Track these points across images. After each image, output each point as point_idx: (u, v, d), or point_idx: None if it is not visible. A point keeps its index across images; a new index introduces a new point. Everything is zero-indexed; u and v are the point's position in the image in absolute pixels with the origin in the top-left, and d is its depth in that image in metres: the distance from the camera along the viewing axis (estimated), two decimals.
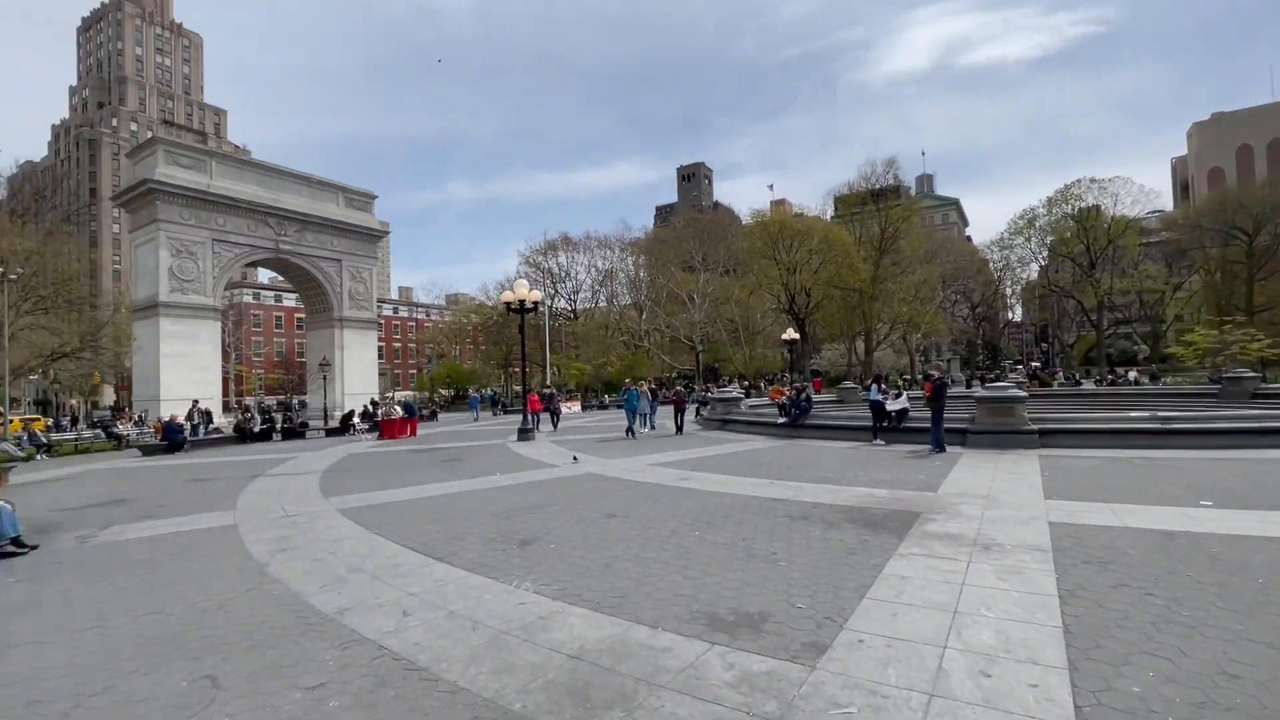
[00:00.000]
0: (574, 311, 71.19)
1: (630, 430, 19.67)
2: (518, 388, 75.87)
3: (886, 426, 15.19)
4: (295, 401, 59.93)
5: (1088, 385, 39.10)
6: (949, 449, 12.90)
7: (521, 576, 5.56)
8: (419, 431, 26.33)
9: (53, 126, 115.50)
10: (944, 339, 79.01)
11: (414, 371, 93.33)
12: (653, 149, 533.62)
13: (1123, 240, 57.89)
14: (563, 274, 69.02)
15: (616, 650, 3.97)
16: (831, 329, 66.49)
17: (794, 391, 18.85)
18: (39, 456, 21.43)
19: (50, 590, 5.88)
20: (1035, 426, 13.15)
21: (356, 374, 45.27)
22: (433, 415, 39.95)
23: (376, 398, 39.75)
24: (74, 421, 46.45)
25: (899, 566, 5.43)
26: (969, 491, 8.61)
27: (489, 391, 65.41)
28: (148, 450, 21.40)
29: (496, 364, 72.47)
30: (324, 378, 40.42)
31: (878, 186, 60.37)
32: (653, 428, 22.69)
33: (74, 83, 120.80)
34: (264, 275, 77.06)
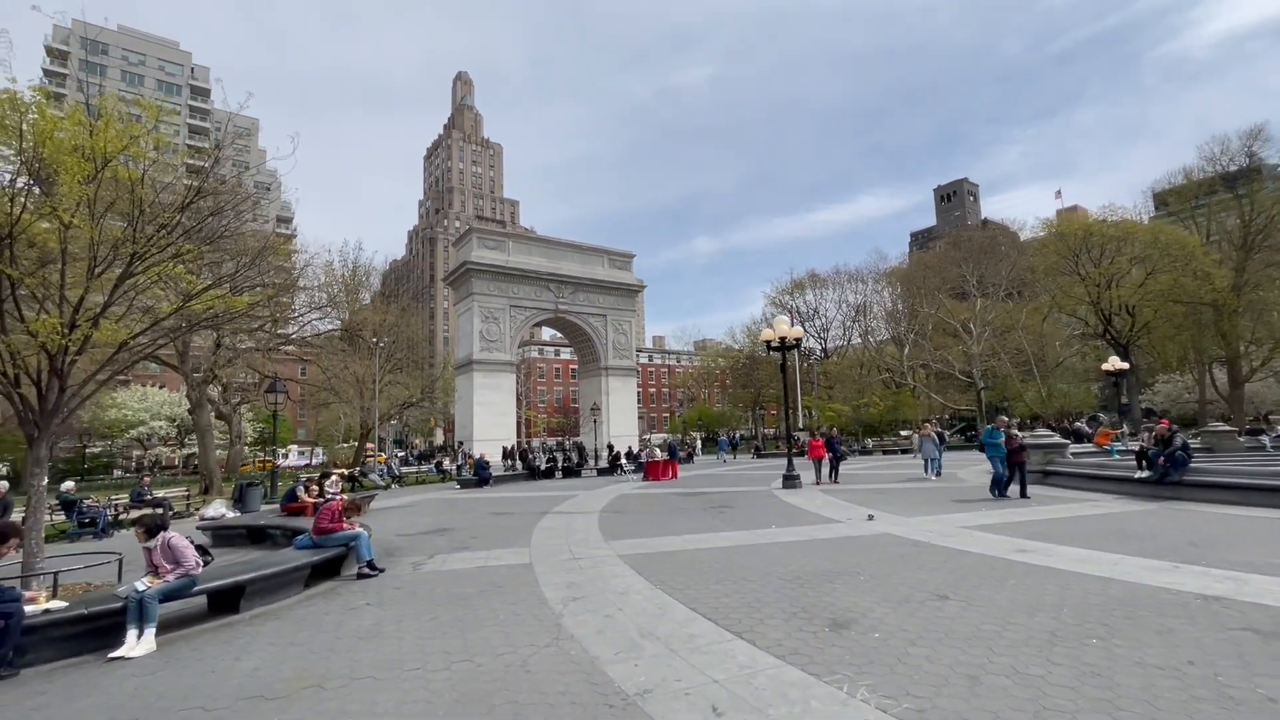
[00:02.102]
0: (824, 350, 67.73)
1: (998, 488, 14.10)
2: (767, 430, 74.47)
3: None
4: (570, 443, 67.15)
5: None
6: None
7: (851, 678, 4.26)
8: (679, 474, 26.61)
9: (408, 231, 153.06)
10: None
11: (667, 415, 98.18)
12: (900, 176, 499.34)
13: None
14: (810, 312, 66.42)
15: None
16: (1167, 356, 51.87)
17: (1155, 437, 14.14)
18: (393, 486, 26.73)
19: (389, 618, 6.39)
20: None
21: (619, 417, 48.87)
22: (689, 457, 40.66)
23: (635, 439, 42.07)
24: (416, 457, 58.42)
25: None
26: None
27: (736, 434, 65.06)
28: (464, 484, 25.24)
29: (745, 406, 72.18)
30: (594, 421, 44.33)
31: (1231, 169, 46.38)
32: (939, 474, 19.56)
33: (421, 197, 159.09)
34: (546, 334, 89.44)
